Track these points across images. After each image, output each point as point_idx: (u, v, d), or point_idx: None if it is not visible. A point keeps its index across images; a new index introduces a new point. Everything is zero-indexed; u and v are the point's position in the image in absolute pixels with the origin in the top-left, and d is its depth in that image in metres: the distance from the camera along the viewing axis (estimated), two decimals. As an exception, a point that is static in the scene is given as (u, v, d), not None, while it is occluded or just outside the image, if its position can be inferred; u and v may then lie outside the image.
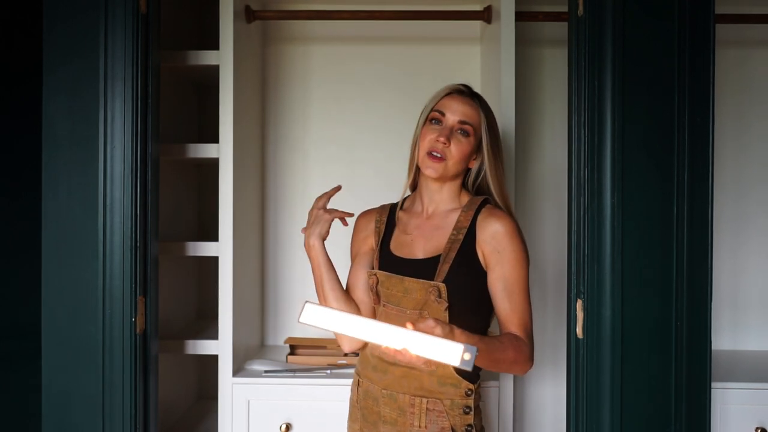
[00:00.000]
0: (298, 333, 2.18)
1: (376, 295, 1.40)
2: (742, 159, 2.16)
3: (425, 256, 1.36)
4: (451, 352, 1.07)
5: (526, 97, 2.16)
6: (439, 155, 1.34)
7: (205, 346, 1.84)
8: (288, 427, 1.78)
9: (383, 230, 1.46)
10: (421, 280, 1.33)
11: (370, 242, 1.48)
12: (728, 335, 2.15)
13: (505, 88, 1.81)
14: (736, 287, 2.16)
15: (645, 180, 1.38)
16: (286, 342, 1.99)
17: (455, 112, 1.36)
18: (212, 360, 1.93)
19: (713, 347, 1.42)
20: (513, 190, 1.83)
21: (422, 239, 1.39)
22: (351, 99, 2.20)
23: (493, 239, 1.33)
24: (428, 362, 1.25)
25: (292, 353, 1.94)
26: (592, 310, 1.39)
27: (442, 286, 1.31)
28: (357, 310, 1.47)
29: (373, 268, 1.43)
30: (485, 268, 1.34)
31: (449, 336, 1.13)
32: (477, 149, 1.39)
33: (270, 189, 2.22)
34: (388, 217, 1.48)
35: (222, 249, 1.80)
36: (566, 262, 1.48)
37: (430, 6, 2.00)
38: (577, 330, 1.43)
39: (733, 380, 1.74)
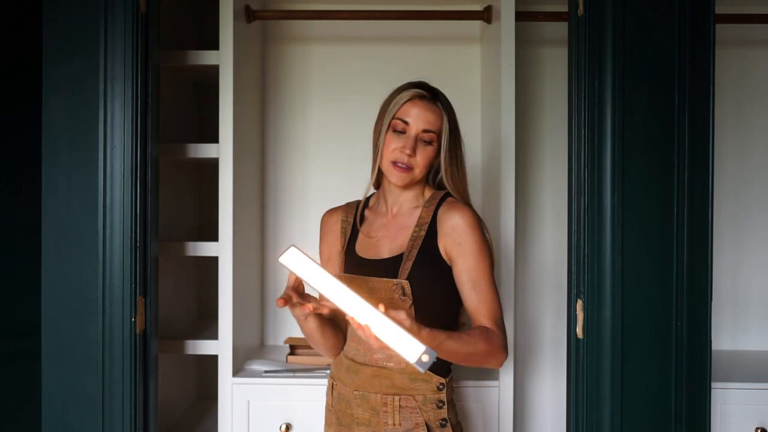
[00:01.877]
0: (298, 333, 2.18)
1: None
2: (743, 159, 2.16)
3: (390, 255, 1.36)
4: (412, 348, 1.07)
5: (526, 97, 2.16)
6: (404, 165, 1.34)
7: (205, 346, 1.84)
8: (288, 427, 1.78)
9: (349, 231, 1.45)
10: (385, 279, 1.32)
11: (338, 246, 1.46)
12: (728, 335, 2.15)
13: (505, 88, 1.81)
14: (736, 287, 2.16)
15: (645, 180, 1.38)
16: (286, 342, 1.99)
17: (418, 120, 1.34)
18: (212, 360, 1.93)
19: (713, 347, 1.42)
20: (512, 190, 1.83)
21: (388, 239, 1.38)
22: (351, 99, 2.20)
23: (453, 231, 1.32)
24: (387, 353, 1.25)
25: (292, 353, 1.94)
26: (592, 310, 1.39)
27: (406, 284, 1.30)
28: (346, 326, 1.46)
29: (341, 272, 1.42)
30: (449, 263, 1.34)
31: (415, 334, 1.12)
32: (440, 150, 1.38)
33: (270, 188, 2.22)
34: (354, 217, 1.46)
35: (222, 249, 1.80)
36: (566, 262, 1.48)
37: (430, 6, 2.00)
38: (577, 330, 1.43)
39: (733, 380, 1.74)
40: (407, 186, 1.38)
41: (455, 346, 1.22)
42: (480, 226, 1.34)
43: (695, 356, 1.38)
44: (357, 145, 2.19)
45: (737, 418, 1.71)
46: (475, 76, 2.17)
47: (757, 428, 1.71)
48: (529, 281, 2.17)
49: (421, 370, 1.07)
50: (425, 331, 1.15)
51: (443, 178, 1.38)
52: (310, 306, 1.22)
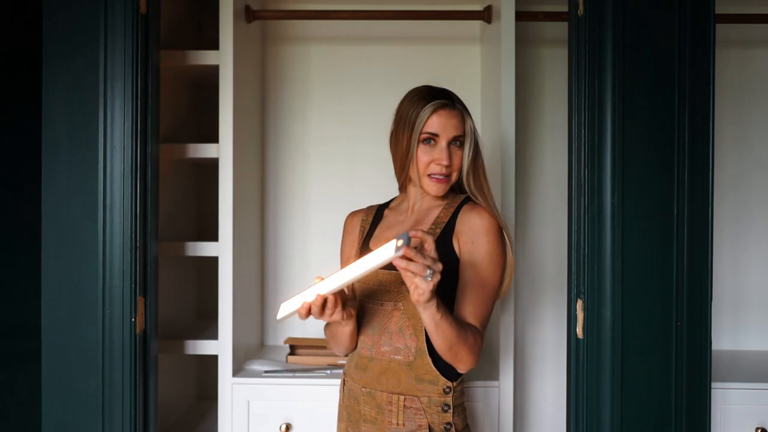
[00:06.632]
0: (298, 333, 2.18)
1: (353, 291, 1.40)
2: (743, 159, 2.16)
3: None
4: (387, 248, 1.09)
5: (526, 96, 2.16)
6: (442, 176, 1.35)
7: (205, 346, 1.84)
8: (288, 427, 1.78)
9: (367, 229, 1.47)
10: (394, 272, 1.31)
11: (357, 247, 1.47)
12: (728, 335, 2.15)
13: (505, 88, 1.81)
14: (737, 287, 2.16)
15: (645, 180, 1.38)
16: (286, 342, 1.99)
17: (447, 130, 1.35)
18: (212, 360, 1.93)
19: (713, 347, 1.42)
20: (513, 190, 1.83)
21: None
22: (351, 99, 2.20)
23: (470, 231, 1.32)
24: (395, 345, 1.32)
25: (292, 353, 1.94)
26: (592, 310, 1.39)
27: None
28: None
29: None
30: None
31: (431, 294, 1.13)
32: None
33: (270, 189, 2.22)
34: (374, 217, 1.49)
35: (222, 249, 1.80)
36: (566, 262, 1.48)
37: (430, 6, 2.00)
38: (577, 330, 1.43)
39: (733, 380, 1.74)
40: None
41: (449, 327, 1.20)
42: (499, 233, 1.33)
43: (695, 356, 1.38)
44: (357, 144, 2.19)
45: (737, 418, 1.71)
46: (475, 76, 2.17)
47: (757, 428, 1.71)
48: (529, 281, 2.17)
49: (400, 253, 1.06)
50: (436, 298, 1.15)
51: (464, 179, 1.39)
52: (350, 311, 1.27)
